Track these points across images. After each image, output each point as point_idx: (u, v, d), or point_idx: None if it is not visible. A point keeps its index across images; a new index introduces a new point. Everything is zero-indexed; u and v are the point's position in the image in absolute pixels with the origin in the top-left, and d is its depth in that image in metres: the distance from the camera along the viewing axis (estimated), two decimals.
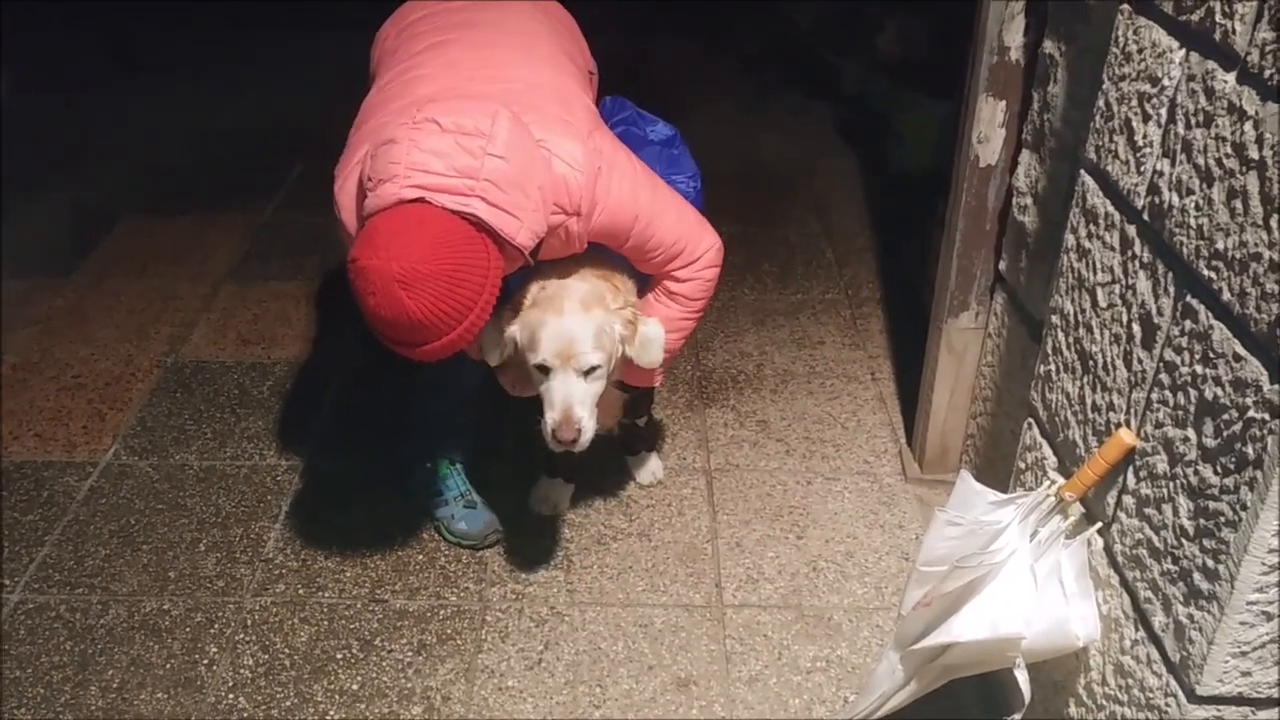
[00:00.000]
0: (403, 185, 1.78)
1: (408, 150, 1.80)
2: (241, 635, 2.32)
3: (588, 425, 2.06)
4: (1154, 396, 1.43)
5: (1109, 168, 1.58)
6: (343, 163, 2.04)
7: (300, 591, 2.43)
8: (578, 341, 2.03)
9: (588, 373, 2.05)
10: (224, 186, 4.33)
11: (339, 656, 2.28)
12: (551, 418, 2.04)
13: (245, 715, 2.14)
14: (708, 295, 2.27)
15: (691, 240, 2.17)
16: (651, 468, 2.76)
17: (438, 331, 1.79)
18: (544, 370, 2.06)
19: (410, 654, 2.28)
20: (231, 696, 2.18)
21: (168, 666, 2.25)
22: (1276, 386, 1.17)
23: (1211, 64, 1.30)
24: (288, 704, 2.17)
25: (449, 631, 2.34)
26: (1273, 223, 1.17)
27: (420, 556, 2.53)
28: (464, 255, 1.78)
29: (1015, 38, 2.21)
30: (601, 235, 2.06)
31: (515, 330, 2.10)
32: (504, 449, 2.82)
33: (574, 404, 2.04)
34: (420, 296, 1.73)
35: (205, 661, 2.26)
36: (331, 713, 2.15)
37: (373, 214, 1.81)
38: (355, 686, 2.21)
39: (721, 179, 4.19)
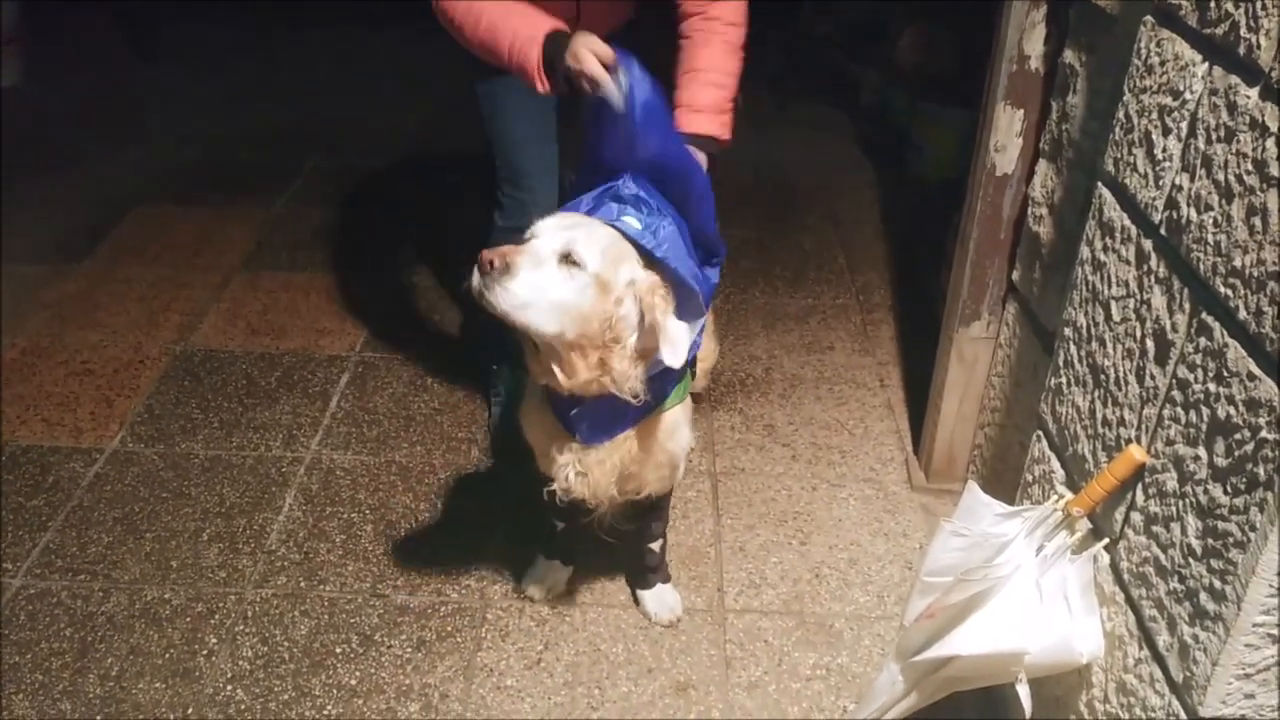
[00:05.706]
0: None
1: None
2: (241, 627, 2.32)
3: (516, 285, 1.68)
4: (1165, 413, 1.42)
5: (1127, 180, 1.56)
6: None
7: (301, 584, 2.43)
8: (578, 225, 1.76)
9: (565, 258, 1.72)
10: (238, 178, 4.34)
11: (338, 651, 2.27)
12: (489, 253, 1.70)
13: (243, 707, 2.14)
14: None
15: None
16: (669, 603, 2.37)
17: None
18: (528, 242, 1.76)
19: (410, 650, 2.28)
20: (229, 688, 2.18)
21: (167, 656, 2.25)
22: None
23: (1234, 79, 1.29)
24: (285, 697, 2.17)
25: (449, 629, 2.33)
26: None
27: (423, 552, 2.52)
28: None
29: (1035, 46, 2.20)
30: None
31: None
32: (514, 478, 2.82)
33: (521, 256, 1.71)
34: None
35: (204, 652, 2.26)
36: (329, 707, 2.15)
37: None
38: (354, 681, 2.21)
39: (739, 185, 4.21)
